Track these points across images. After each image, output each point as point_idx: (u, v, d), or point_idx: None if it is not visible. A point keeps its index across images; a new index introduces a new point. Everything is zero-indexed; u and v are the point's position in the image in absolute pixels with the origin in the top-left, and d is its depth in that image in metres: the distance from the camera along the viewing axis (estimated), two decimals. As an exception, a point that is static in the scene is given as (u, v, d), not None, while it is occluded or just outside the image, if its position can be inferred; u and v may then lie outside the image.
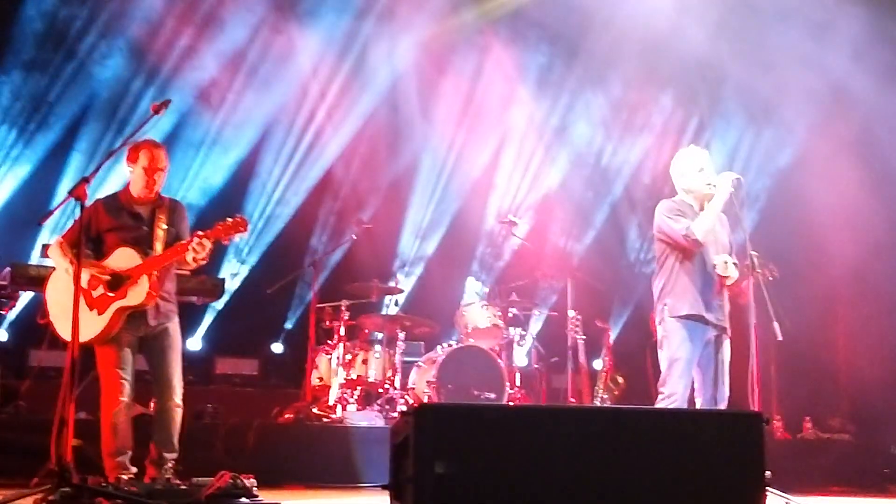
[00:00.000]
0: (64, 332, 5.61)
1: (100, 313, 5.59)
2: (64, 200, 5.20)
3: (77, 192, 5.08)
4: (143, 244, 5.69)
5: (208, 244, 5.56)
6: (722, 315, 5.93)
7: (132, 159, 5.81)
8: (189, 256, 5.57)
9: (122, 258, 5.64)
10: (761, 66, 9.11)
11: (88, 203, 5.33)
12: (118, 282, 5.60)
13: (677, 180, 6.14)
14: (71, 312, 5.33)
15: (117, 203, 5.85)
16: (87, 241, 5.64)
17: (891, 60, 8.47)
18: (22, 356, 8.22)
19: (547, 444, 3.43)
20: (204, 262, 5.74)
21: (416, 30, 9.51)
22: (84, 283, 5.52)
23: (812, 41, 8.67)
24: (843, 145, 9.13)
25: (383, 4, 9.57)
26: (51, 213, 5.68)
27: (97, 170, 5.34)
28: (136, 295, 5.56)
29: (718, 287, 5.94)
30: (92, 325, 5.57)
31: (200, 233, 5.57)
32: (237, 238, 5.69)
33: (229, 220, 5.62)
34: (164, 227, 5.78)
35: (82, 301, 5.44)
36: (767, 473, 5.28)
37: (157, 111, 5.32)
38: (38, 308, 7.85)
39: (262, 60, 9.72)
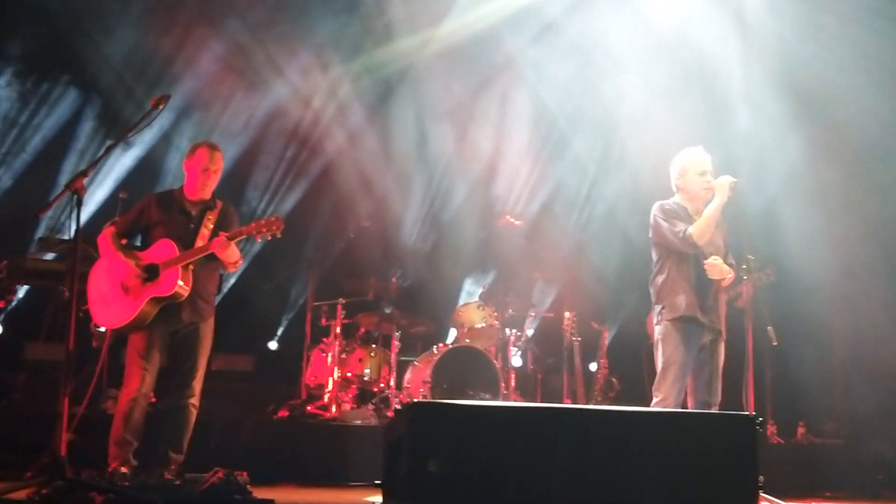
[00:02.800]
0: (99, 318, 5.91)
1: (133, 301, 5.74)
2: (61, 194, 5.23)
3: (74, 186, 5.10)
4: (185, 240, 5.85)
5: (232, 245, 5.78)
6: (717, 318, 5.92)
7: (188, 158, 6.03)
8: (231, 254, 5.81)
9: (161, 249, 5.81)
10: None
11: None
12: (153, 272, 5.75)
13: (676, 179, 6.12)
14: (107, 299, 5.77)
15: (170, 199, 6.05)
16: (135, 231, 6.03)
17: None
18: (18, 349, 8.20)
19: (540, 444, 3.44)
20: (238, 265, 6.01)
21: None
22: (122, 271, 5.77)
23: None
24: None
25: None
26: (48, 206, 5.70)
27: (95, 163, 5.42)
28: (167, 285, 5.70)
29: (715, 290, 5.94)
30: (126, 312, 5.74)
31: (224, 234, 5.76)
32: (270, 237, 5.79)
33: (265, 218, 5.80)
34: (211, 227, 5.94)
35: (118, 288, 5.77)
36: (760, 478, 5.32)
37: (156, 106, 5.34)
38: (34, 301, 7.90)
39: (257, 58, 9.69)
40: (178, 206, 5.99)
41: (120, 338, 6.02)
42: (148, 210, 5.99)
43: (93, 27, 8.97)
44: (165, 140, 9.48)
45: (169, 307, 5.75)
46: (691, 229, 5.84)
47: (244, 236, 5.82)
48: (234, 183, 9.78)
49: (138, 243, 6.06)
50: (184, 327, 5.86)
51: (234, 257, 5.89)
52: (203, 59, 9.31)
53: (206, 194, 6.02)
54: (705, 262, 5.90)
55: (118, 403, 5.77)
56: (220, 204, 6.08)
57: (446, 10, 9.08)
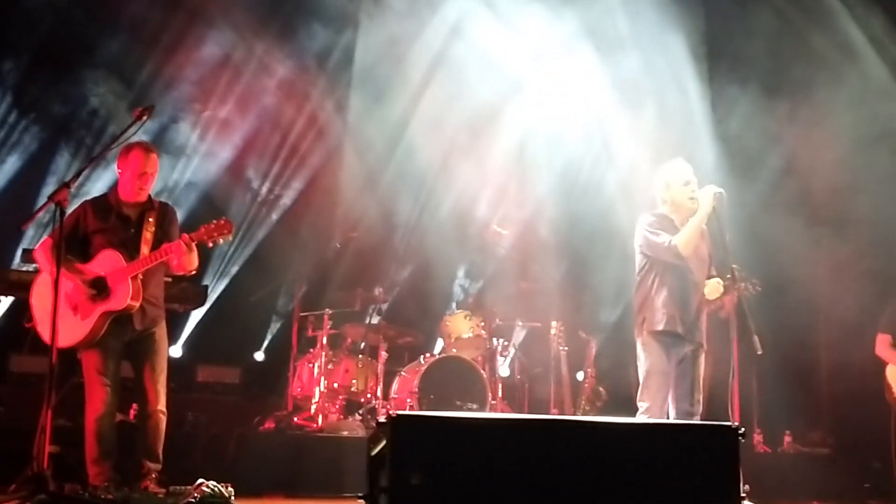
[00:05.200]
0: (48, 336, 5.54)
1: (83, 318, 5.57)
2: (44, 205, 5.21)
3: (58, 198, 5.08)
4: (129, 247, 5.68)
5: (193, 248, 5.59)
6: (698, 331, 5.96)
7: (122, 161, 5.79)
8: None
9: (107, 261, 5.63)
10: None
11: (74, 204, 5.36)
12: (101, 286, 5.58)
13: (660, 192, 6.14)
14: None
15: (106, 204, 5.84)
16: (74, 243, 5.69)
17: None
18: (2, 361, 8.16)
19: (522, 455, 3.43)
20: (192, 270, 5.78)
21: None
22: (68, 288, 5.53)
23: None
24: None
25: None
26: (32, 217, 5.65)
27: (78, 175, 5.37)
28: (119, 299, 5.54)
29: (697, 302, 5.96)
30: (76, 330, 5.56)
31: (186, 235, 5.58)
32: (221, 241, 5.65)
33: (214, 222, 5.63)
34: (153, 230, 5.76)
35: (66, 306, 5.50)
36: (746, 487, 5.33)
37: (139, 117, 5.31)
38: (19, 313, 7.84)
39: (246, 66, 9.69)
40: (115, 212, 5.77)
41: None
42: (84, 218, 5.76)
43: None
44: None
45: (120, 318, 5.60)
46: (675, 239, 5.86)
47: (195, 242, 5.60)
48: (222, 192, 9.79)
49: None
50: (137, 335, 5.71)
51: (192, 265, 5.70)
52: (190, 64, 9.29)
53: (143, 197, 5.81)
54: (706, 287, 5.93)
55: (87, 423, 5.62)
56: (157, 204, 5.90)
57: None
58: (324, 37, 9.53)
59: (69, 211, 5.51)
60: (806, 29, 9.03)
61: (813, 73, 9.05)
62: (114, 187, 5.92)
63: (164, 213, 5.92)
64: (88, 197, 6.06)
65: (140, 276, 5.61)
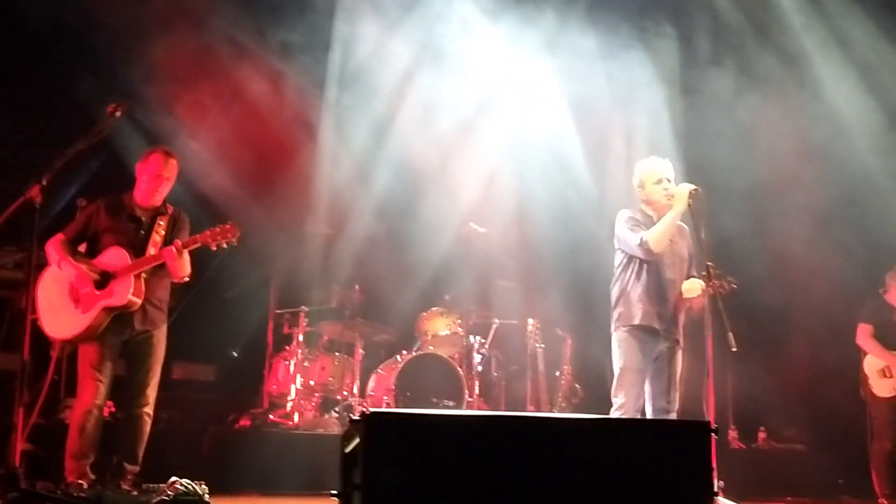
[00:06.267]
0: (49, 327, 5.74)
1: (84, 311, 5.64)
2: (17, 203, 5.16)
3: (29, 194, 5.04)
4: (137, 248, 5.76)
5: (184, 254, 5.65)
6: (675, 327, 5.97)
7: (142, 164, 5.91)
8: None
9: (113, 257, 5.71)
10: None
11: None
12: (105, 281, 5.65)
13: (637, 190, 6.16)
14: (57, 309, 5.64)
15: (119, 205, 5.92)
16: (84, 240, 5.87)
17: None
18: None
19: (495, 451, 3.42)
20: (184, 276, 5.84)
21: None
22: (72, 277, 5.66)
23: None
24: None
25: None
26: (4, 216, 5.60)
27: (52, 172, 5.29)
28: (121, 295, 5.59)
29: (674, 299, 5.97)
30: (76, 323, 5.64)
31: (178, 241, 5.62)
32: (225, 245, 5.69)
33: (219, 227, 5.70)
34: (162, 234, 5.85)
35: (69, 298, 5.65)
36: (720, 483, 5.36)
37: (112, 113, 5.29)
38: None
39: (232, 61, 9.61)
40: (127, 213, 5.88)
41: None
42: (96, 217, 5.88)
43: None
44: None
45: (120, 316, 5.68)
46: (647, 235, 5.87)
47: (199, 245, 5.69)
48: (195, 189, 9.71)
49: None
50: (136, 336, 5.78)
51: (184, 271, 5.76)
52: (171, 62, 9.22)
53: (158, 201, 5.93)
54: (685, 285, 5.95)
55: (73, 416, 5.69)
56: (171, 209, 6.00)
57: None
58: (301, 31, 9.48)
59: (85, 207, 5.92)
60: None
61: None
62: (130, 190, 5.98)
63: (176, 219, 6.01)
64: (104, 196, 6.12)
65: (144, 276, 5.68)
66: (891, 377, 7.81)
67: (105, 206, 5.90)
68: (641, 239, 5.88)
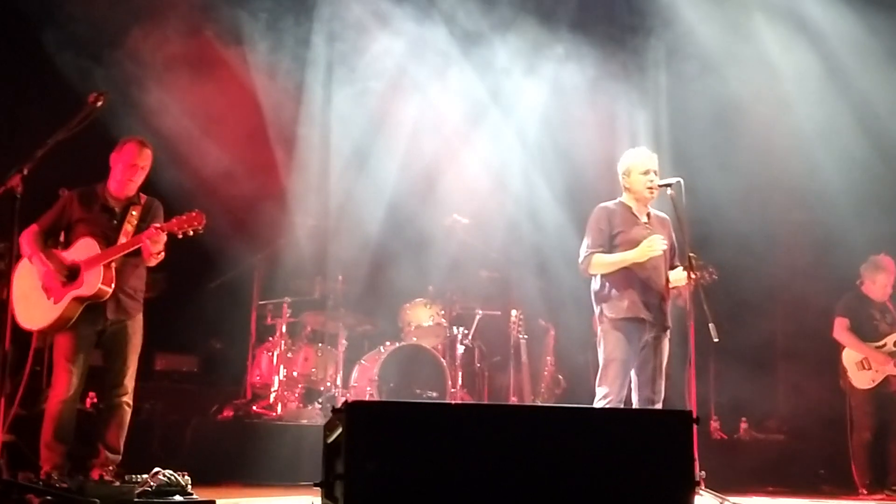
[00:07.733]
0: (22, 317, 5.72)
1: (55, 302, 5.62)
2: (-2, 191, 5.12)
3: (10, 184, 5.00)
4: (109, 238, 5.72)
5: (162, 237, 5.63)
6: (662, 315, 5.97)
7: (116, 154, 5.88)
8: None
9: (83, 248, 5.68)
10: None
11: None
12: (75, 272, 5.64)
13: (622, 178, 6.17)
14: (30, 300, 5.62)
15: (92, 195, 5.89)
16: (58, 230, 5.86)
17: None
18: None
19: (477, 441, 3.45)
20: (160, 257, 5.78)
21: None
22: (42, 272, 5.65)
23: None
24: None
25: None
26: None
27: (32, 162, 5.23)
28: (90, 284, 5.58)
29: (659, 288, 5.98)
30: (47, 313, 5.62)
31: (156, 225, 5.58)
32: (192, 233, 5.66)
33: (185, 214, 5.66)
34: (135, 223, 5.81)
35: (41, 289, 5.64)
36: (702, 473, 5.38)
37: (93, 103, 5.25)
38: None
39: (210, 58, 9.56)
40: (100, 203, 5.85)
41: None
42: (69, 207, 5.85)
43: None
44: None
45: (93, 306, 5.64)
46: (594, 259, 5.93)
47: (166, 233, 5.65)
48: (178, 179, 9.66)
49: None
50: (110, 325, 5.75)
51: (157, 248, 5.70)
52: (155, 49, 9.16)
53: (132, 191, 5.89)
54: (673, 274, 5.98)
55: (47, 406, 5.68)
56: (143, 198, 5.96)
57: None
58: (283, 26, 9.46)
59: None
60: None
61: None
62: (104, 180, 5.94)
63: (149, 207, 5.96)
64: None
65: (114, 265, 5.64)
66: (869, 369, 7.86)
67: (78, 197, 5.87)
68: (588, 255, 5.96)
